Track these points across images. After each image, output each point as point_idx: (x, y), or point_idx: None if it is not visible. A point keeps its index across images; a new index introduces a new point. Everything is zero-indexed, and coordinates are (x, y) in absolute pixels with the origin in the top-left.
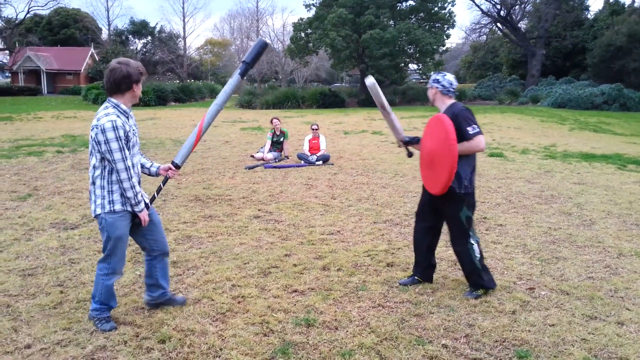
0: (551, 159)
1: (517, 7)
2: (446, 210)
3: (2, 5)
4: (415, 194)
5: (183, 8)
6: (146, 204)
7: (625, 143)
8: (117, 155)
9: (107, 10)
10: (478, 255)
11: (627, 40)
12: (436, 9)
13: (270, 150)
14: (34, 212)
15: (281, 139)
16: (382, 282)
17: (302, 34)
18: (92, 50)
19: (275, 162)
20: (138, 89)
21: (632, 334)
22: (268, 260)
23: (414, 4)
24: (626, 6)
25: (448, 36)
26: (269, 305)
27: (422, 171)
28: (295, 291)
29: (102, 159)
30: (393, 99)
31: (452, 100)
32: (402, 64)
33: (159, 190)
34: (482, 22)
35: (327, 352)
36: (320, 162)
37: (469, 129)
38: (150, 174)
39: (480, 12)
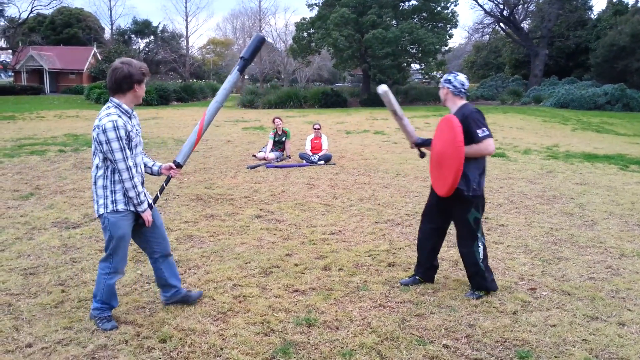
0: (553, 159)
1: (520, 7)
2: (454, 212)
3: (5, 5)
4: (417, 194)
5: (186, 7)
6: (149, 205)
7: (628, 143)
8: (118, 155)
9: (110, 10)
10: (482, 257)
11: (630, 40)
12: (439, 8)
13: (272, 150)
14: (36, 211)
15: (283, 139)
16: (383, 282)
17: (305, 34)
18: (94, 49)
19: (277, 161)
20: (140, 89)
21: (634, 335)
22: (269, 260)
23: (416, 3)
24: (629, 6)
25: (451, 36)
26: (270, 304)
27: (432, 172)
28: (296, 291)
29: (105, 159)
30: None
31: (464, 101)
32: (405, 64)
33: (161, 189)
34: (485, 22)
35: (328, 352)
36: (322, 162)
37: (478, 131)
38: (152, 174)
39: (483, 12)
